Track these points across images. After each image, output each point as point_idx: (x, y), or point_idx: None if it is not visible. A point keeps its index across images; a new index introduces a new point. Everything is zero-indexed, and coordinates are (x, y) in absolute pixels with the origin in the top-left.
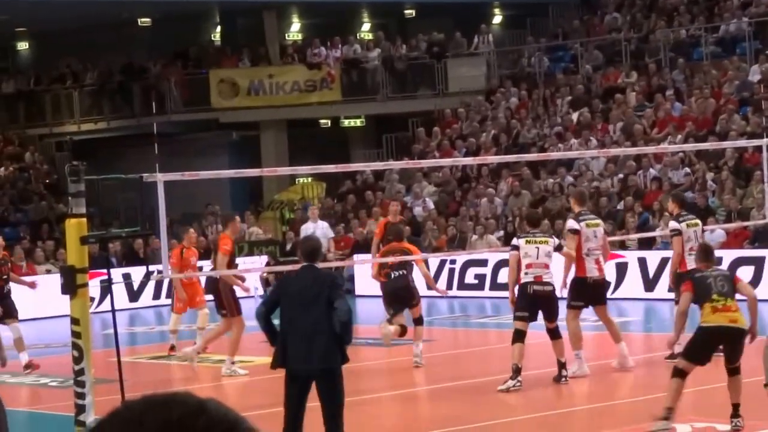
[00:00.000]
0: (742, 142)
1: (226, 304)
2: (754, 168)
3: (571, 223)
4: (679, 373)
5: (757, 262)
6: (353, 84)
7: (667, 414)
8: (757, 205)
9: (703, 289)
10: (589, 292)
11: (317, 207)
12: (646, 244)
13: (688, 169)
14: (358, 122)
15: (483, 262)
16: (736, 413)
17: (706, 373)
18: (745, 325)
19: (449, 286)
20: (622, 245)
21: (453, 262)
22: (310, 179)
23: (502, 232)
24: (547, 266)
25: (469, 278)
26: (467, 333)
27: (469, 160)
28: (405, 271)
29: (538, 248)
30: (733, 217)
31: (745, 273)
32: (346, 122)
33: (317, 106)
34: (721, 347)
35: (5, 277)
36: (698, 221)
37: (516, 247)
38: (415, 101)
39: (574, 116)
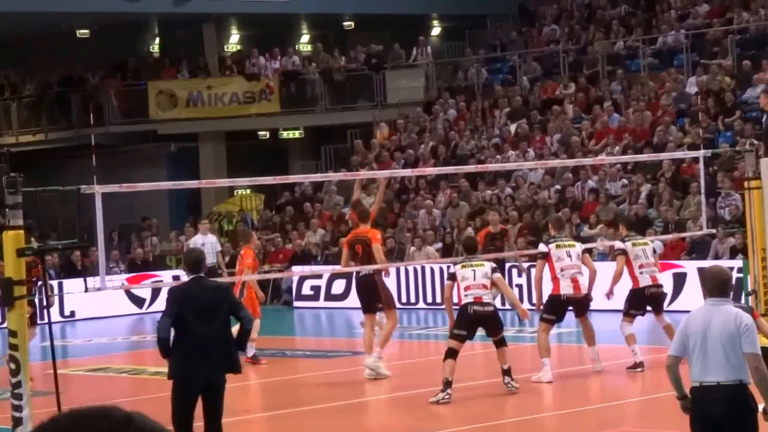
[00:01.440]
0: (680, 154)
1: (384, 298)
2: (691, 179)
3: (540, 246)
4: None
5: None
6: (292, 96)
7: None
8: (693, 217)
9: None
10: (562, 307)
11: (207, 221)
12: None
13: (625, 181)
14: (296, 134)
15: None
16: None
17: (650, 384)
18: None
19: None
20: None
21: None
22: (248, 191)
23: (440, 244)
24: (485, 287)
25: (403, 291)
26: (402, 345)
27: (407, 172)
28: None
29: (474, 271)
30: (670, 229)
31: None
32: (284, 134)
33: (256, 117)
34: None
35: None
36: (646, 240)
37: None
38: (354, 113)
39: (512, 128)
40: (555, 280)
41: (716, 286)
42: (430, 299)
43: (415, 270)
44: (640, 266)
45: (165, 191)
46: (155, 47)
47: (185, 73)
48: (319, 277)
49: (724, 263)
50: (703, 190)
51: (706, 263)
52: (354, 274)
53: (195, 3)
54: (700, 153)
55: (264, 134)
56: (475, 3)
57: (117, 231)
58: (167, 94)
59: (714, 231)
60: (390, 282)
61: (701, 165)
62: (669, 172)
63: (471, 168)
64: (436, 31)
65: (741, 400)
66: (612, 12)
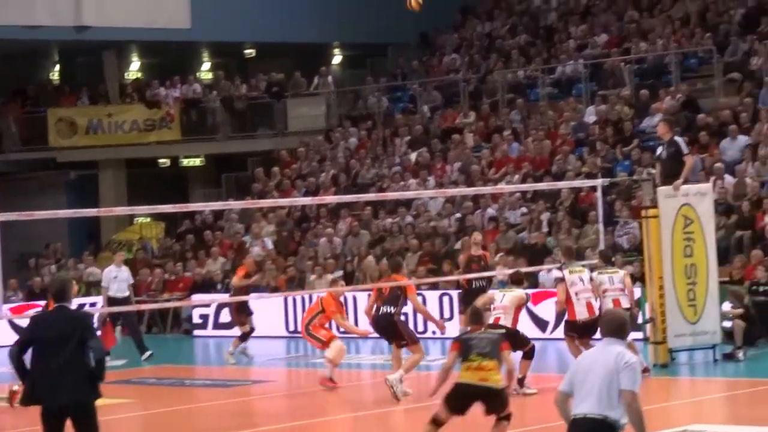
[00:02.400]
0: (578, 183)
1: (407, 336)
2: (589, 208)
3: (554, 272)
4: (434, 421)
5: None
6: (193, 123)
7: None
8: (591, 246)
9: (466, 349)
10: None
11: (122, 253)
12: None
13: (525, 209)
14: (197, 162)
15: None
16: None
17: None
18: (498, 384)
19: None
20: (458, 285)
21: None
22: (148, 219)
23: (341, 272)
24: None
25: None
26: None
27: (308, 200)
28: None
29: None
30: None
31: None
32: (185, 162)
33: (156, 145)
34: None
35: None
36: (583, 268)
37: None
38: (255, 141)
39: (413, 156)
40: (570, 304)
41: (611, 328)
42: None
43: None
44: (576, 293)
45: (65, 219)
46: (55, 74)
47: (85, 100)
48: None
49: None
50: (601, 219)
51: None
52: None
53: (95, 30)
54: (599, 182)
55: (165, 162)
56: (376, 32)
57: (17, 259)
58: (67, 121)
59: (612, 259)
60: (299, 311)
61: (599, 194)
62: (568, 200)
63: (372, 196)
64: (337, 59)
65: None
66: (511, 42)
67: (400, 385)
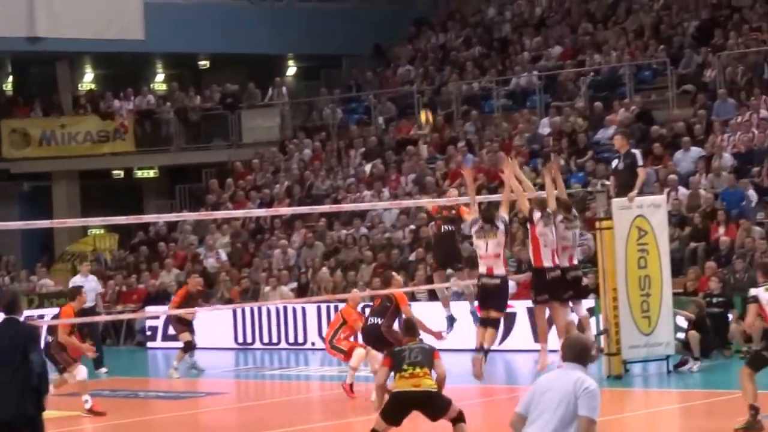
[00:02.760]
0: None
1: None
2: None
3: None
4: None
5: None
6: (147, 135)
7: None
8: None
9: (398, 362)
10: None
11: (88, 263)
12: (437, 295)
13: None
14: (151, 173)
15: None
16: None
17: None
18: (432, 387)
19: (247, 339)
20: (413, 297)
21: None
22: (102, 230)
23: (295, 284)
24: None
25: (265, 331)
26: (264, 385)
27: (262, 212)
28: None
29: None
30: (523, 268)
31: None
32: (139, 173)
33: (110, 156)
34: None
35: None
36: None
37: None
38: (209, 152)
39: (368, 168)
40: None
41: (573, 353)
42: (291, 339)
43: (276, 310)
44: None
45: (18, 231)
46: (8, 85)
47: (38, 111)
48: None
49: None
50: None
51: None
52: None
53: (49, 41)
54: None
55: (118, 173)
56: (331, 43)
57: None
58: (20, 132)
59: None
60: (248, 323)
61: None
62: (522, 212)
63: (326, 208)
64: (291, 70)
65: None
66: (466, 53)
67: None
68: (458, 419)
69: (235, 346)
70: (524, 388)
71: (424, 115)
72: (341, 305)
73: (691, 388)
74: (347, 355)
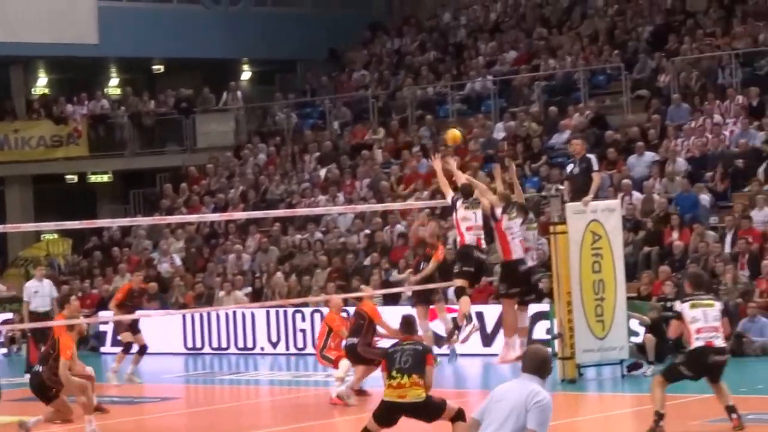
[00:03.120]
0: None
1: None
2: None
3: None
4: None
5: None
6: (100, 139)
7: None
8: (500, 261)
9: (390, 363)
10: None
11: (43, 267)
12: (392, 300)
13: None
14: (105, 178)
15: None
16: None
17: None
18: (419, 397)
19: (196, 344)
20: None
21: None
22: (56, 235)
23: (249, 288)
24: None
25: (214, 336)
26: (213, 390)
27: (216, 216)
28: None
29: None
30: None
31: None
32: (93, 178)
33: (64, 161)
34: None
35: None
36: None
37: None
38: (163, 157)
39: (322, 172)
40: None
41: (533, 364)
42: (241, 344)
43: (226, 315)
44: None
45: None
46: None
47: None
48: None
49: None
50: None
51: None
52: None
53: (2, 46)
54: None
55: (72, 178)
56: (285, 48)
57: None
58: None
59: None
60: (197, 328)
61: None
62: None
63: (281, 212)
64: (246, 75)
65: None
66: (421, 58)
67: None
68: (457, 418)
69: (185, 351)
70: (473, 392)
71: (452, 136)
72: (307, 310)
73: (645, 392)
74: (334, 363)
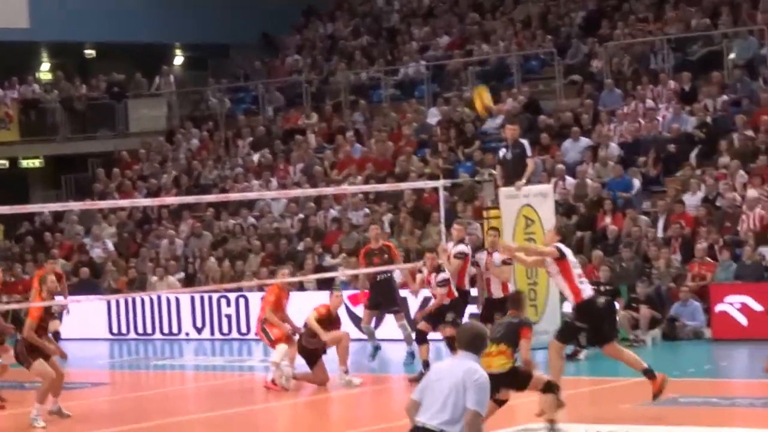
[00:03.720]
0: (420, 184)
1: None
2: (431, 209)
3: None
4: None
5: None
6: (32, 124)
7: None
8: (434, 246)
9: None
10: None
11: None
12: (325, 284)
13: (367, 210)
14: (36, 163)
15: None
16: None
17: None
18: (503, 368)
19: (121, 330)
20: (301, 287)
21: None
22: None
23: (182, 274)
24: None
25: (139, 320)
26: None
27: (148, 201)
28: None
29: None
30: (411, 258)
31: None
32: (24, 163)
33: None
34: None
35: None
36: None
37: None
38: (95, 142)
39: (255, 157)
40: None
41: (467, 341)
42: (166, 329)
43: (151, 300)
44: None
45: None
46: None
47: None
48: None
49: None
50: (443, 220)
51: None
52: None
53: None
54: (440, 183)
55: (3, 163)
56: (218, 32)
57: None
58: None
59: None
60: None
61: (441, 194)
62: (410, 201)
63: (213, 197)
64: (178, 60)
65: None
66: (354, 43)
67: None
68: (546, 389)
69: (110, 336)
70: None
71: (480, 97)
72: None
73: (578, 375)
74: (272, 343)
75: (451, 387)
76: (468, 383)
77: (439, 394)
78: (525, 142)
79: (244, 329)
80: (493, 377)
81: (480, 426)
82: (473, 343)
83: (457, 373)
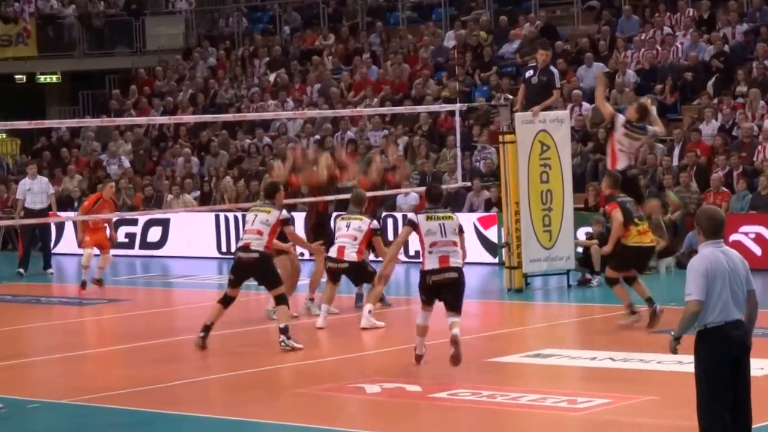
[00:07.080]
0: (436, 107)
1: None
2: (447, 132)
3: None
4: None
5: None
6: (49, 40)
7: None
8: (449, 170)
9: (627, 213)
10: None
11: (35, 164)
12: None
13: (386, 131)
14: (54, 78)
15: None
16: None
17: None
18: (653, 242)
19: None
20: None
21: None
22: (4, 135)
23: (198, 192)
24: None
25: (152, 237)
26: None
27: (165, 119)
28: None
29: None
30: (426, 181)
31: None
32: (41, 78)
33: (12, 61)
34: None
35: None
36: (448, 214)
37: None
38: (113, 59)
39: (272, 77)
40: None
41: (714, 228)
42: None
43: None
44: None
45: None
46: None
47: None
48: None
49: (479, 216)
50: (458, 144)
51: (462, 216)
52: None
53: None
54: (457, 106)
55: (21, 78)
56: None
57: None
58: None
59: (470, 184)
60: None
61: (457, 118)
62: (426, 125)
63: (229, 117)
64: None
65: (750, 335)
66: None
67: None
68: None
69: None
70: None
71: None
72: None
73: (590, 302)
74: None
75: (744, 277)
76: (748, 268)
77: (738, 287)
78: (555, 71)
79: None
80: (652, 250)
81: None
82: (720, 229)
83: (740, 262)
